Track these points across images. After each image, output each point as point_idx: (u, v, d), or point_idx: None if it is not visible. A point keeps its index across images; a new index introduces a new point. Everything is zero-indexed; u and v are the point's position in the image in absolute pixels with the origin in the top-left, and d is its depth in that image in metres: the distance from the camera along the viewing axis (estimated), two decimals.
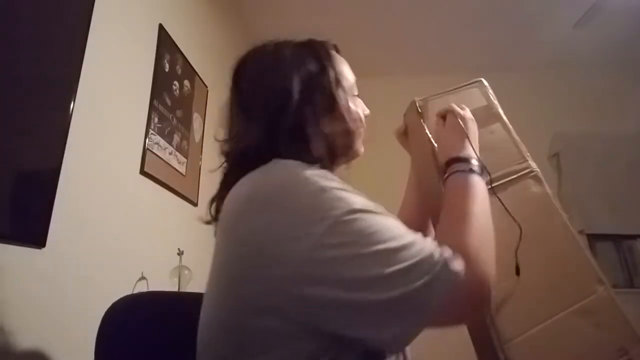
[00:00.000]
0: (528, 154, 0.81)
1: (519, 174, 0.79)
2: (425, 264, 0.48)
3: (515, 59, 3.06)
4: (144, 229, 1.39)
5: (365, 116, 0.75)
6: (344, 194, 0.52)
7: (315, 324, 0.50)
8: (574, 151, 2.94)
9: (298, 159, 0.58)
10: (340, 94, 0.68)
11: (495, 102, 0.86)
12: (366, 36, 2.85)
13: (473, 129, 0.74)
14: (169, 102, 1.58)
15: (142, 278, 1.28)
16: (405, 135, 0.92)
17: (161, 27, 1.57)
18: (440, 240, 0.53)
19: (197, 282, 1.51)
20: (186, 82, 1.76)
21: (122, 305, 0.74)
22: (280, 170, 0.57)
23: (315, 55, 0.69)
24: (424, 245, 0.51)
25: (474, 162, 0.67)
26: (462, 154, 0.69)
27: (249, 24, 2.68)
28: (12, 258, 0.86)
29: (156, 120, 1.48)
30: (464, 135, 0.72)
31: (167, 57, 1.60)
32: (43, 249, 0.93)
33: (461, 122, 0.74)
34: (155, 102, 1.47)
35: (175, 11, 1.74)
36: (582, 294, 0.71)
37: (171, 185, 1.56)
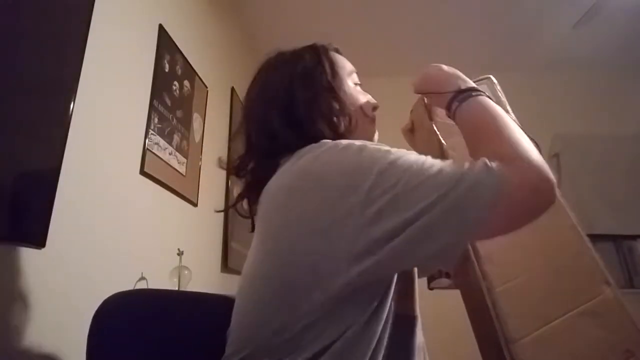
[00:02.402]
0: None
1: None
2: (466, 173, 0.51)
3: (515, 59, 3.06)
4: (144, 229, 1.39)
5: (374, 107, 0.79)
6: (379, 146, 0.57)
7: (373, 271, 0.52)
8: (574, 152, 2.94)
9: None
10: (337, 83, 0.72)
11: (504, 99, 0.85)
12: (367, 36, 2.85)
13: (438, 76, 0.72)
14: (169, 102, 1.58)
15: (142, 278, 1.28)
16: (411, 132, 0.92)
17: (161, 28, 1.57)
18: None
19: (197, 282, 1.51)
20: (186, 83, 1.76)
21: (113, 302, 0.74)
22: (320, 148, 0.60)
23: (312, 51, 0.75)
24: (461, 163, 0.53)
25: (461, 92, 0.65)
26: (453, 93, 0.66)
27: (249, 24, 2.68)
28: (12, 258, 0.86)
29: (156, 120, 1.47)
30: (441, 81, 0.70)
31: (167, 57, 1.60)
32: (43, 249, 0.93)
33: (425, 80, 0.74)
34: (155, 103, 1.47)
35: (175, 11, 1.74)
36: (589, 295, 0.71)
37: (171, 186, 1.56)
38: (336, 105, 0.69)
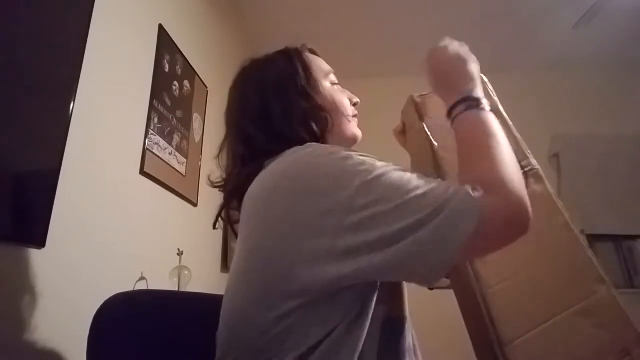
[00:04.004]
0: (529, 152, 0.79)
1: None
2: (449, 199, 0.52)
3: (515, 59, 3.06)
4: (144, 229, 1.39)
5: (355, 103, 0.80)
6: (365, 158, 0.57)
7: (352, 278, 0.53)
8: (573, 152, 2.94)
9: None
10: (311, 85, 0.72)
11: (495, 98, 0.84)
12: (367, 36, 2.85)
13: (453, 60, 0.68)
14: (169, 102, 1.58)
15: (142, 278, 1.28)
16: (403, 133, 0.91)
17: (161, 28, 1.57)
18: (466, 181, 0.54)
19: (197, 283, 1.51)
20: (186, 83, 1.76)
21: (114, 302, 0.74)
22: (305, 150, 0.60)
23: (284, 56, 0.75)
24: (447, 186, 0.54)
25: (467, 100, 0.64)
26: (462, 96, 0.64)
27: (248, 25, 2.68)
28: (12, 258, 0.86)
29: (156, 120, 1.47)
30: (453, 77, 0.67)
31: (167, 57, 1.60)
32: (43, 249, 0.93)
33: (436, 67, 0.69)
34: (155, 102, 1.47)
35: (175, 11, 1.74)
36: (584, 294, 0.70)
37: (171, 186, 1.56)
38: (311, 110, 0.69)
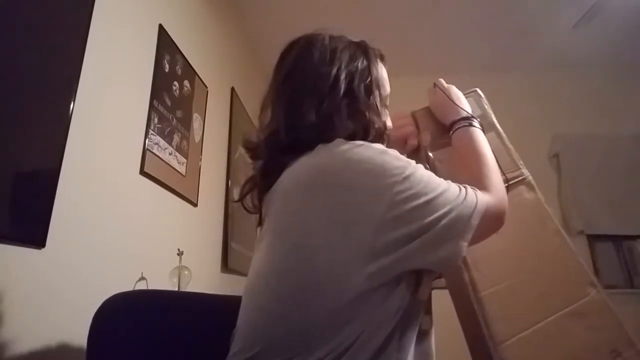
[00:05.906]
0: (521, 162, 0.83)
1: (513, 182, 0.81)
2: (464, 196, 0.61)
3: (515, 59, 3.06)
4: (144, 230, 1.39)
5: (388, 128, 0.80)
6: (397, 153, 0.62)
7: (385, 271, 0.56)
8: (573, 152, 2.94)
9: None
10: (375, 95, 0.72)
11: (490, 111, 0.89)
12: (367, 37, 2.85)
13: (456, 94, 0.86)
14: (168, 102, 1.58)
15: (142, 278, 1.28)
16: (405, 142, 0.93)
17: (161, 28, 1.57)
18: (463, 179, 0.66)
19: (197, 283, 1.51)
20: (186, 83, 1.76)
21: (113, 302, 0.74)
22: (341, 145, 0.62)
23: (365, 54, 0.75)
24: (457, 184, 0.63)
25: (467, 119, 0.80)
26: (457, 117, 0.81)
27: (248, 25, 2.68)
28: (12, 258, 0.86)
29: (156, 120, 1.47)
30: (450, 103, 0.83)
31: (167, 57, 1.60)
32: (43, 249, 0.93)
33: (445, 92, 0.84)
34: (155, 103, 1.47)
35: (175, 12, 1.74)
36: (575, 296, 0.72)
37: (171, 186, 1.56)
38: (367, 114, 0.68)
